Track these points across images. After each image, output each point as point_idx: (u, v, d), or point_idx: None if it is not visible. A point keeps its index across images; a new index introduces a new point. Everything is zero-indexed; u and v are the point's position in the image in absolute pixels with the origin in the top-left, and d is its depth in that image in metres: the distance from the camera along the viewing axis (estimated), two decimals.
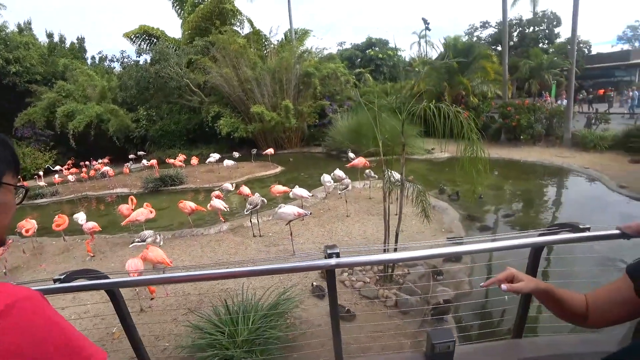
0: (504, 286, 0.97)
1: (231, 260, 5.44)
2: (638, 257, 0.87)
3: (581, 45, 29.86)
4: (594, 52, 32.70)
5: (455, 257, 4.81)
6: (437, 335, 1.97)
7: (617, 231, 1.65)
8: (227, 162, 12.45)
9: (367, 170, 8.29)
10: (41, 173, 15.19)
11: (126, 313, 2.08)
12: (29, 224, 6.51)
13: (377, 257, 1.57)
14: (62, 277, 1.82)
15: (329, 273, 1.76)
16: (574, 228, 1.89)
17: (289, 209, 5.43)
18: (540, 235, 2.00)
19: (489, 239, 1.74)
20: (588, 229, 1.85)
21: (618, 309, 0.86)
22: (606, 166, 9.88)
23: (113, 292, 1.97)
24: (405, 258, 1.90)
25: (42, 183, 13.21)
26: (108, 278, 1.92)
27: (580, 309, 0.93)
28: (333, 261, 1.48)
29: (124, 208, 7.15)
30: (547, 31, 29.93)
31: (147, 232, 5.60)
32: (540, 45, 29.22)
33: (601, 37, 71.41)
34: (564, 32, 29.57)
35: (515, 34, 30.28)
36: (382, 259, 1.63)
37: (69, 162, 17.20)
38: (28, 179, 15.56)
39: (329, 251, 1.51)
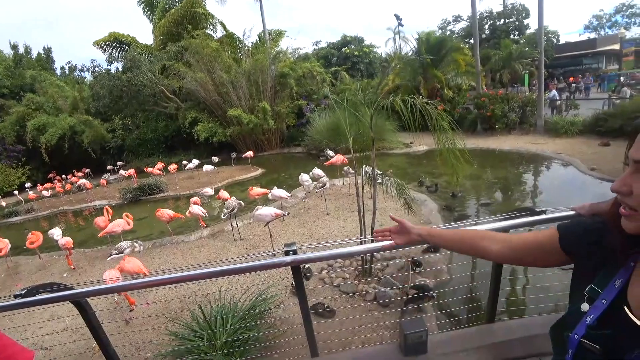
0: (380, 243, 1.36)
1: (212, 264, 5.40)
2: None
3: (550, 35, 30.84)
4: (562, 41, 33.79)
5: (434, 247, 4.90)
6: (409, 325, 2.01)
7: (572, 212, 1.73)
8: (207, 167, 12.34)
9: (345, 167, 8.35)
10: (17, 192, 14.79)
11: (97, 325, 2.04)
12: (1, 244, 6.30)
13: (336, 251, 1.60)
14: (22, 292, 1.78)
15: (294, 270, 1.78)
16: (531, 212, 1.97)
17: (265, 211, 5.42)
18: (502, 219, 2.08)
19: (454, 227, 1.79)
20: (544, 212, 1.93)
21: (535, 255, 0.95)
22: (577, 150, 10.23)
23: (80, 304, 1.93)
24: (365, 250, 1.95)
25: (3, 203, 12.80)
26: (73, 289, 1.89)
27: (476, 247, 1.06)
28: (289, 258, 1.51)
29: (100, 220, 6.99)
30: (517, 23, 30.66)
31: (125, 243, 5.49)
32: (512, 36, 29.95)
33: (569, 27, 74.12)
34: (533, 23, 30.32)
35: (486, 26, 30.94)
36: (341, 253, 1.66)
37: (51, 174, 16.72)
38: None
39: (286, 249, 1.54)
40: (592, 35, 37.33)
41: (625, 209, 0.70)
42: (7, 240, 6.43)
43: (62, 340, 3.94)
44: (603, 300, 0.71)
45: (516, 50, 22.24)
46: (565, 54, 31.60)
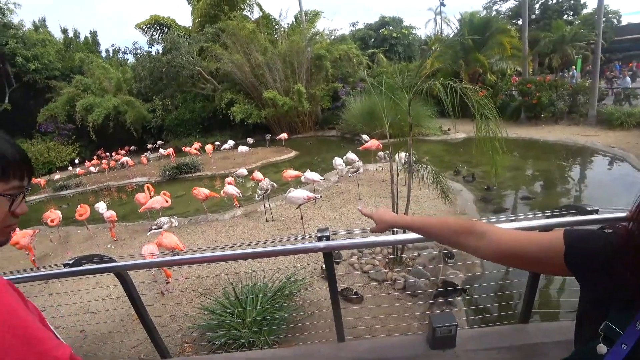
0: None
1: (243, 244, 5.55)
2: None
3: (610, 15, 28.14)
4: (624, 22, 30.75)
5: None
6: (438, 319, 1.97)
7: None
8: (242, 148, 12.58)
9: (379, 153, 8.20)
10: (70, 167, 15.95)
11: (136, 296, 2.16)
12: (54, 215, 6.79)
13: (369, 239, 1.57)
14: (71, 262, 1.91)
15: (326, 255, 1.78)
16: (581, 210, 1.82)
17: (298, 193, 5.46)
18: (547, 217, 1.94)
19: (493, 222, 1.69)
20: (596, 212, 1.77)
21: (533, 264, 0.81)
22: (633, 144, 9.38)
23: (122, 276, 2.05)
24: (399, 240, 1.90)
25: (57, 177, 13.80)
26: (115, 262, 2.00)
27: (458, 242, 0.92)
28: (322, 244, 1.50)
29: (140, 197, 7.36)
30: (572, 1, 28.27)
31: (163, 219, 5.76)
32: (565, 17, 27.69)
33: (633, 6, 66.07)
34: (590, 2, 27.88)
35: (537, 5, 28.75)
36: (374, 241, 1.62)
37: (99, 151, 17.82)
38: (54, 172, 16.26)
39: (319, 234, 1.52)
40: None
41: None
42: (58, 212, 6.94)
43: (106, 306, 4.23)
44: (623, 345, 0.60)
45: (570, 32, 20.55)
46: (626, 37, 28.77)
